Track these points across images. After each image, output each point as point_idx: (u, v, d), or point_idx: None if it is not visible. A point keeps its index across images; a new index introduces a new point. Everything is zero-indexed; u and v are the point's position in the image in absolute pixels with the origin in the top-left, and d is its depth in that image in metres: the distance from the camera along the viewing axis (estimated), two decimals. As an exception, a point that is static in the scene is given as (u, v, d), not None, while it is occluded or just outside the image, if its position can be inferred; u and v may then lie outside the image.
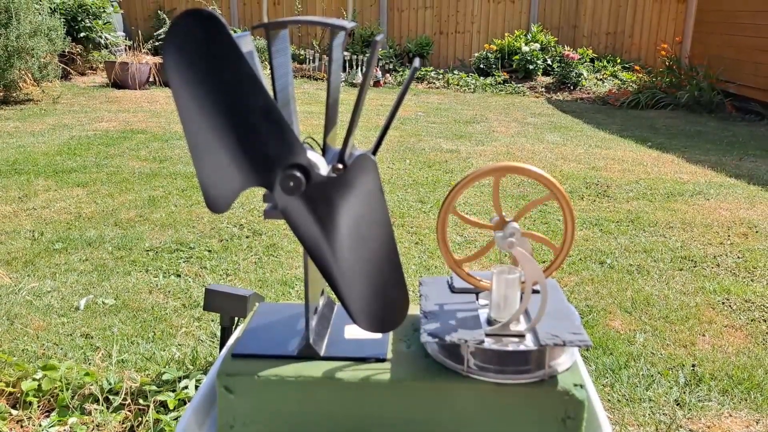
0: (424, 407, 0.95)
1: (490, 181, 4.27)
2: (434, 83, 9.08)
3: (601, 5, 9.93)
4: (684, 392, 2.07)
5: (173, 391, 1.87)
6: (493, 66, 9.28)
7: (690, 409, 1.98)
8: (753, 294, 2.76)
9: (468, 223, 1.09)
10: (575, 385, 0.93)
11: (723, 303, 2.68)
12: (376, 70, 8.78)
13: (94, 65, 8.78)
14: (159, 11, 10.01)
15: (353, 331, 1.06)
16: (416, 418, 0.95)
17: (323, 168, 0.87)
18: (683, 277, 2.92)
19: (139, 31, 9.39)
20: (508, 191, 4.08)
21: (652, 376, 2.15)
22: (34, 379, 1.87)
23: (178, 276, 2.83)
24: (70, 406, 1.82)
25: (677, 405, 2.01)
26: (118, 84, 7.87)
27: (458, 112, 7.19)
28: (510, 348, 0.93)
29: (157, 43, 8.90)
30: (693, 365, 2.21)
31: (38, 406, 1.83)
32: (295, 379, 0.95)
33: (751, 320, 2.55)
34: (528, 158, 5.05)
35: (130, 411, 1.81)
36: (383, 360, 0.99)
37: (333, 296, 1.05)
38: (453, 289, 1.10)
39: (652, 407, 1.99)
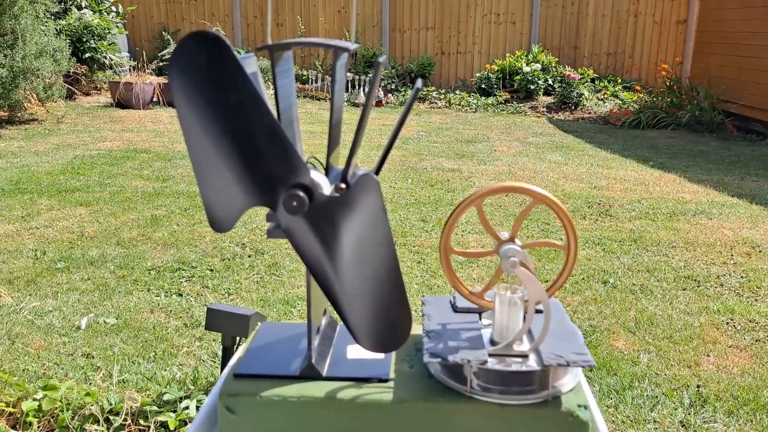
0: (427, 428, 0.94)
1: (492, 200, 4.28)
2: (436, 103, 9.14)
3: (602, 26, 10.01)
4: (689, 413, 2.05)
5: (174, 411, 1.86)
6: (495, 86, 9.34)
7: (695, 431, 1.96)
8: (757, 314, 2.75)
9: (469, 256, 1.08)
10: (579, 405, 0.92)
11: (727, 323, 2.67)
12: (379, 90, 8.84)
13: (99, 85, 8.85)
14: (163, 32, 10.12)
15: (356, 351, 1.05)
16: (419, 440, 0.94)
17: (326, 188, 0.87)
18: (687, 296, 2.91)
19: (144, 52, 9.48)
20: (510, 210, 4.09)
21: (656, 396, 2.13)
22: (34, 399, 1.86)
23: (180, 295, 2.82)
24: (71, 426, 1.81)
25: (683, 426, 1.99)
26: (122, 104, 7.93)
27: (460, 131, 7.22)
28: (513, 368, 0.93)
29: (161, 64, 8.98)
30: (698, 386, 2.20)
31: (38, 427, 1.82)
32: (297, 400, 0.94)
33: (756, 340, 2.53)
34: (530, 178, 5.06)
35: (130, 431, 1.80)
36: (386, 380, 0.98)
37: (335, 316, 1.05)
38: (456, 309, 1.10)
39: (657, 429, 1.97)
